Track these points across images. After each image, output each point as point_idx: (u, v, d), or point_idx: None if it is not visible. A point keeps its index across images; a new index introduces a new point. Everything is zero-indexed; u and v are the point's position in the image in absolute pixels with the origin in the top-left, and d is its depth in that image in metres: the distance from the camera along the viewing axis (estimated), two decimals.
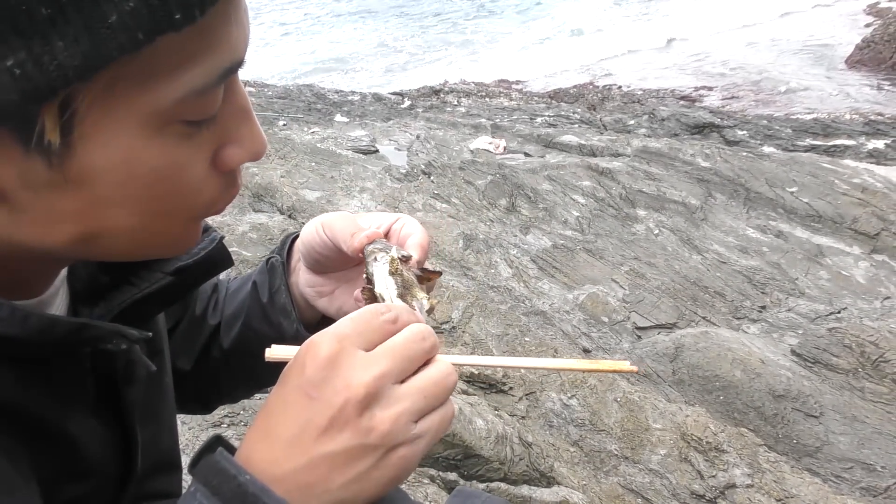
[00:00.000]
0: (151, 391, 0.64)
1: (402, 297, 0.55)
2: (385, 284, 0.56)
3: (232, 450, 0.46)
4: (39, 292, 0.53)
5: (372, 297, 0.57)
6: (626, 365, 0.56)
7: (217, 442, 0.46)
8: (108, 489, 0.57)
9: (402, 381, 0.46)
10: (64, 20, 0.34)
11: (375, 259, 0.58)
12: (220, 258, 0.65)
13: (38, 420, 0.50)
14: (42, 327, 0.46)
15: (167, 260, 0.61)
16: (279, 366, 0.50)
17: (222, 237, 0.66)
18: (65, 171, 0.40)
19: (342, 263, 0.69)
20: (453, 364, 0.50)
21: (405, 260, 0.58)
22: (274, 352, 0.52)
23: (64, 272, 0.58)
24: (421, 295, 0.56)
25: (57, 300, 0.56)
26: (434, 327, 2.80)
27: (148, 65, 0.38)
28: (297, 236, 0.74)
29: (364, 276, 0.58)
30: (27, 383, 0.48)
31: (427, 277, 0.59)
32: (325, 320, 0.75)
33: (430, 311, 0.57)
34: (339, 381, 0.44)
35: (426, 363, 0.48)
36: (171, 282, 0.61)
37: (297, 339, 0.59)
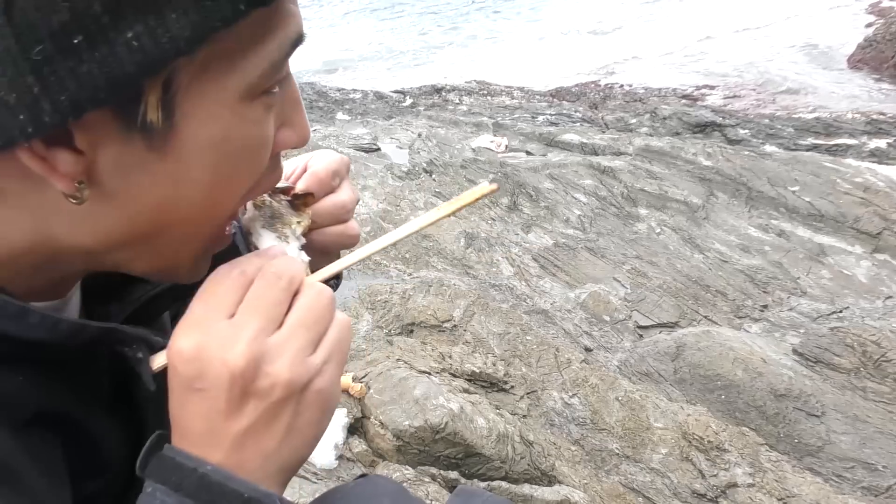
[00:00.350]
0: (158, 385, 0.64)
1: (270, 226, 0.55)
2: (250, 217, 0.56)
3: None
4: (62, 294, 0.53)
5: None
6: (485, 188, 0.56)
7: (163, 439, 0.45)
8: (118, 483, 0.58)
9: (280, 326, 0.45)
10: None
11: None
12: (228, 252, 0.65)
13: (68, 422, 0.50)
14: (72, 332, 0.46)
15: None
16: None
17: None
18: (164, 150, 0.41)
19: None
20: (322, 280, 0.49)
21: (279, 192, 0.58)
22: (156, 363, 0.50)
23: None
24: (293, 220, 0.57)
25: (73, 299, 0.56)
26: (434, 326, 2.82)
27: (239, 39, 0.40)
28: None
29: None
30: (53, 385, 0.48)
31: (304, 203, 0.59)
32: None
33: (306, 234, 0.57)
34: (215, 364, 0.43)
35: (295, 294, 0.47)
36: None
37: None
